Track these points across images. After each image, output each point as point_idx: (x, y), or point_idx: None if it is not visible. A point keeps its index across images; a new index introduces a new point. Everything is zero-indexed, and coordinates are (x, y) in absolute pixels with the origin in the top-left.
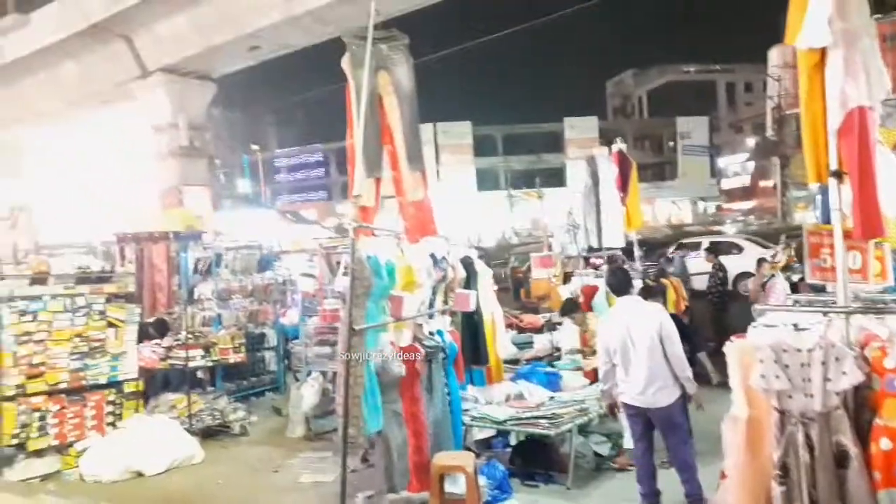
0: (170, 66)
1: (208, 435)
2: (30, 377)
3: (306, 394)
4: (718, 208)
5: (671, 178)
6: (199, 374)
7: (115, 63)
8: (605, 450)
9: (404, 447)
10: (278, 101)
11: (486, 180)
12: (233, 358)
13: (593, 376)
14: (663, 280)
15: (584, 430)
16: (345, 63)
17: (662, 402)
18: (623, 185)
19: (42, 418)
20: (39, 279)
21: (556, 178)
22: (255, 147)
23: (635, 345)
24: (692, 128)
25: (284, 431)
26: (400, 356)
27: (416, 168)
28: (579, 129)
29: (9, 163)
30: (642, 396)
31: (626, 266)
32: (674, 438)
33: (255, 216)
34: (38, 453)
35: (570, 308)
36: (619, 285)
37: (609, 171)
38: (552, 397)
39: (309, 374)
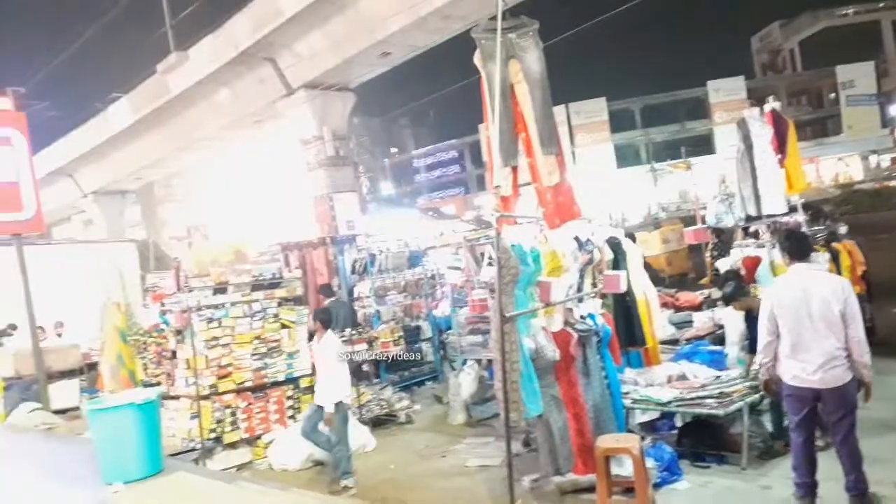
0: (311, 81)
1: (377, 424)
2: (220, 377)
3: (464, 382)
4: (894, 161)
5: (835, 134)
6: (364, 367)
7: (263, 85)
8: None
9: (566, 430)
10: (411, 102)
11: (627, 156)
12: (393, 350)
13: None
14: (835, 245)
15: (755, 408)
16: (476, 58)
17: (839, 381)
18: (780, 146)
19: (233, 414)
20: (220, 288)
21: (703, 146)
22: (394, 150)
23: (813, 319)
24: (855, 76)
25: (446, 419)
26: (553, 341)
27: (551, 152)
28: (725, 91)
29: (181, 188)
30: (815, 376)
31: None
32: (844, 423)
33: (399, 216)
34: (233, 445)
35: (733, 291)
36: (796, 249)
37: (763, 133)
38: (718, 376)
39: (464, 362)
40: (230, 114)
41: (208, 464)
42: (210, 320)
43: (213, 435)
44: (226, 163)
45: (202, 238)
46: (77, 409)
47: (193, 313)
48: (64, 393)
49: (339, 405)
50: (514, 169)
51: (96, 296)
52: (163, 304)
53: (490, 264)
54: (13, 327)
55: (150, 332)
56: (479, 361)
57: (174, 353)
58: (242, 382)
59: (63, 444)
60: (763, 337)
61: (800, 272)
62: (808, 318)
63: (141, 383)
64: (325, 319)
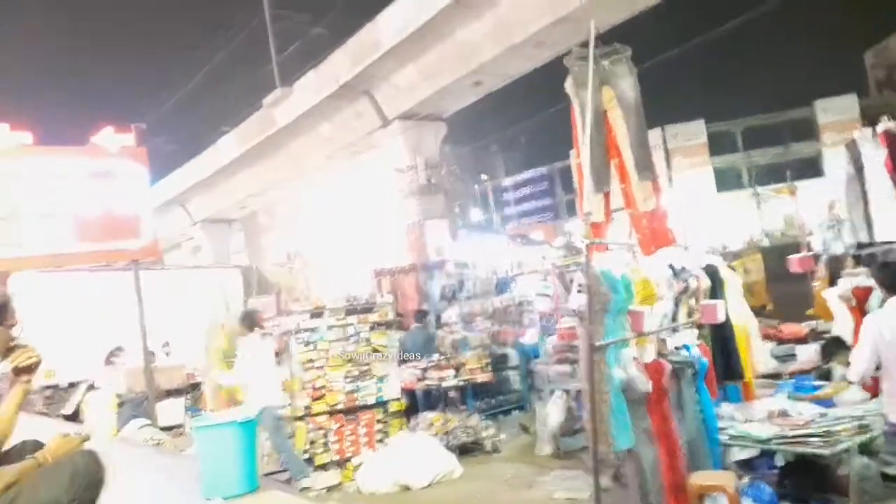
0: (406, 112)
1: (463, 451)
2: (314, 399)
3: (552, 412)
4: None
5: None
6: (451, 394)
7: (361, 117)
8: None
9: (657, 466)
10: (502, 130)
11: (727, 180)
12: (480, 377)
13: (875, 389)
14: None
15: (867, 448)
16: (568, 85)
17: None
18: (895, 168)
19: (325, 435)
20: (317, 313)
21: (810, 169)
22: (483, 177)
23: None
24: None
25: (533, 449)
26: (645, 372)
27: (647, 177)
28: (835, 111)
29: (283, 216)
30: None
31: None
32: None
33: (489, 242)
34: (323, 467)
35: (833, 349)
36: (891, 282)
37: (875, 155)
38: (824, 413)
39: (552, 392)
40: (330, 144)
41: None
42: (307, 343)
43: (305, 456)
44: (326, 192)
45: (302, 264)
46: (182, 426)
47: (291, 336)
48: (170, 410)
49: (265, 411)
50: (607, 195)
51: (203, 318)
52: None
53: (580, 291)
54: (120, 349)
55: None
56: (567, 391)
57: None
58: (335, 404)
59: (169, 458)
60: (860, 365)
61: None
62: None
63: (240, 404)
64: (252, 321)
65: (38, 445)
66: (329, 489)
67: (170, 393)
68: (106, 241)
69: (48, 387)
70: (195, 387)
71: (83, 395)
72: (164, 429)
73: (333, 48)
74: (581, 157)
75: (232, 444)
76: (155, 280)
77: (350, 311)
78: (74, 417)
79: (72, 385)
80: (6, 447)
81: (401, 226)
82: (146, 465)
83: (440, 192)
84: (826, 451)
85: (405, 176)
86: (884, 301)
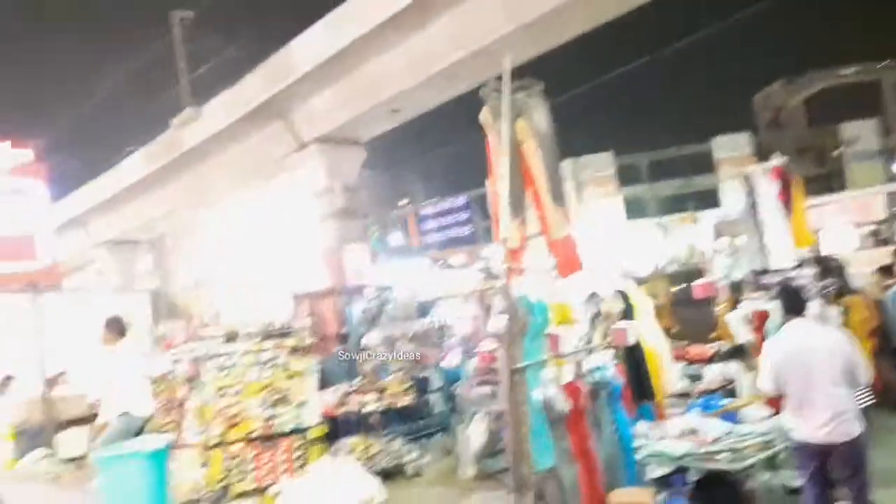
0: (323, 136)
1: (386, 476)
2: (229, 427)
3: (473, 433)
4: None
5: (839, 190)
6: (372, 419)
7: (275, 140)
8: (798, 483)
9: (577, 484)
10: (421, 155)
11: (634, 209)
12: (402, 401)
13: (777, 405)
14: (846, 298)
15: (772, 463)
16: (483, 116)
17: (847, 436)
18: (786, 201)
19: (241, 464)
20: (231, 337)
21: (709, 200)
22: (402, 202)
23: (816, 374)
24: (859, 133)
25: (456, 471)
26: (563, 392)
27: (560, 205)
28: (730, 148)
29: (192, 239)
30: (823, 431)
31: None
32: (859, 478)
33: (409, 266)
34: (241, 496)
35: (735, 355)
36: (789, 304)
37: (768, 188)
38: (729, 431)
39: (474, 414)
40: (242, 167)
41: None
42: (221, 368)
43: (220, 485)
44: (237, 214)
45: (210, 288)
46: (85, 457)
47: (204, 362)
48: (73, 441)
49: (123, 416)
50: (522, 221)
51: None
52: (173, 353)
53: (499, 314)
54: (10, 378)
55: (159, 380)
56: (488, 413)
57: (181, 402)
58: (251, 432)
59: (68, 492)
60: (765, 383)
61: (797, 327)
62: (811, 375)
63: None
64: (119, 328)
65: None
66: None
67: (72, 423)
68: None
69: None
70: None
71: None
72: (67, 461)
73: (246, 71)
74: (498, 184)
75: (140, 476)
76: (54, 305)
77: (267, 336)
78: None
79: None
80: None
81: (318, 250)
82: (41, 502)
83: (359, 216)
84: (734, 467)
85: (322, 199)
86: (783, 323)
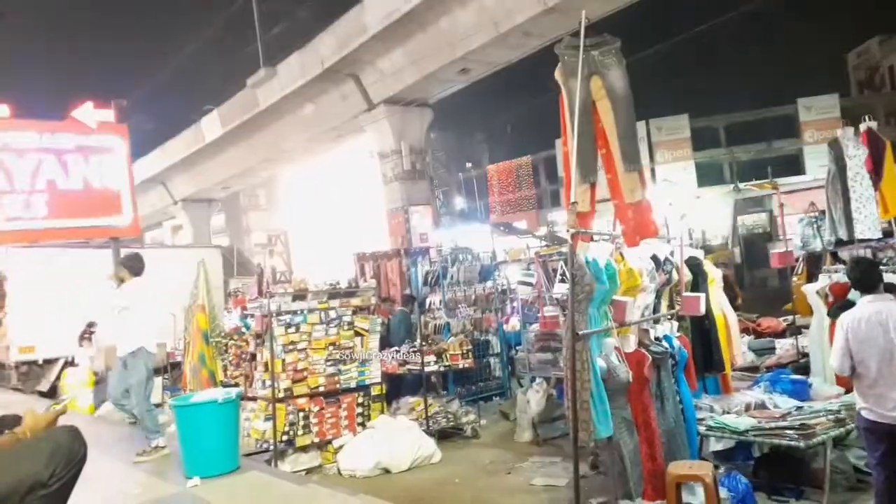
0: (392, 97)
1: (443, 436)
2: (295, 381)
3: (532, 399)
4: None
5: None
6: (432, 379)
7: (346, 100)
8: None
9: (636, 454)
10: (488, 118)
11: (710, 175)
12: (462, 364)
13: (847, 384)
14: None
15: (840, 442)
16: (557, 74)
17: None
18: (875, 168)
19: (306, 417)
20: (300, 295)
21: (791, 166)
22: (468, 164)
23: (892, 353)
24: None
25: (512, 435)
26: (626, 362)
27: (634, 169)
28: (817, 110)
29: (266, 197)
30: (894, 412)
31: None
32: None
33: (472, 230)
34: (304, 449)
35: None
36: (861, 280)
37: (857, 154)
38: (800, 407)
39: (533, 379)
40: (314, 127)
41: (280, 465)
42: (288, 325)
43: (285, 437)
44: (308, 174)
45: (284, 246)
46: (161, 405)
47: (273, 318)
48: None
49: (138, 352)
50: (593, 185)
51: (183, 298)
52: (244, 309)
53: (563, 280)
54: (93, 324)
55: (231, 334)
56: (547, 379)
57: (253, 355)
58: (316, 387)
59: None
60: (837, 360)
61: (871, 304)
62: (886, 353)
63: (220, 384)
64: (136, 265)
65: (16, 420)
66: (308, 471)
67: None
68: (86, 217)
69: (24, 363)
70: (175, 366)
71: (60, 371)
72: None
73: (319, 31)
74: (568, 146)
75: (212, 424)
76: None
77: (333, 295)
78: (51, 394)
79: (48, 362)
80: None
81: (384, 211)
82: (123, 443)
83: (425, 178)
84: (802, 444)
85: (389, 161)
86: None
